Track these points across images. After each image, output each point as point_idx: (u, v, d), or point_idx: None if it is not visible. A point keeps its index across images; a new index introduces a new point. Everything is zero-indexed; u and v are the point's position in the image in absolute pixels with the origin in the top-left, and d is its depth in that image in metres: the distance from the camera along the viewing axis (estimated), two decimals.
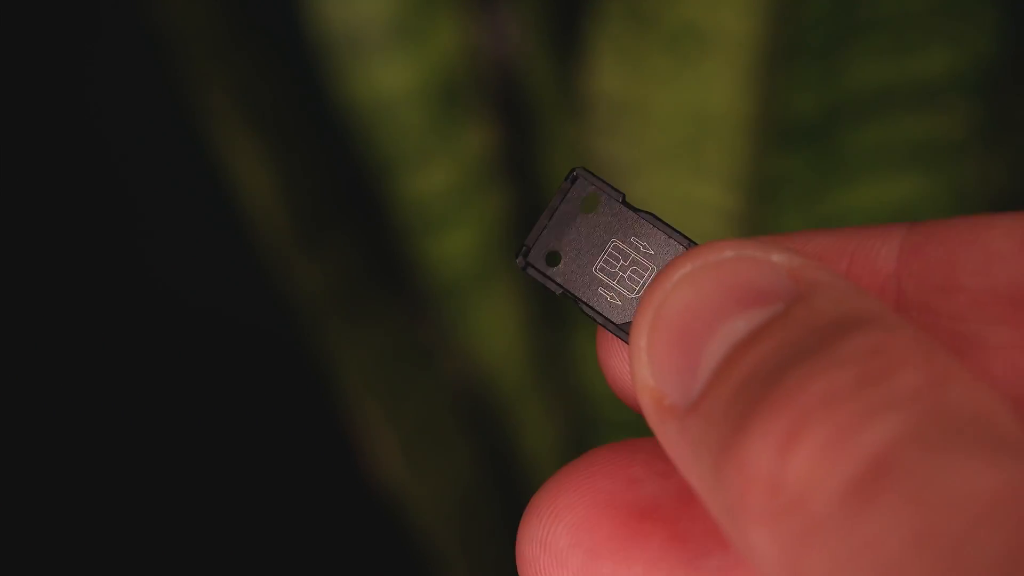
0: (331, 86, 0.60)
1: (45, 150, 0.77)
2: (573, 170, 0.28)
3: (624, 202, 0.28)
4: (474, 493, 0.69)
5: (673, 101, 0.54)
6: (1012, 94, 0.54)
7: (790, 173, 0.54)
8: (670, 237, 0.28)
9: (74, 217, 0.78)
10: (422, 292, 0.65)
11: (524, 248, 0.28)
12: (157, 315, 0.79)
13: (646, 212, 0.28)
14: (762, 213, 0.54)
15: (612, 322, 0.28)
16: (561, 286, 0.28)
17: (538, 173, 0.63)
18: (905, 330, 0.23)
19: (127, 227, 0.78)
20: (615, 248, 0.28)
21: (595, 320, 0.28)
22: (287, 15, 0.64)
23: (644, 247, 0.28)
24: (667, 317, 0.24)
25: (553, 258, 0.28)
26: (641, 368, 0.24)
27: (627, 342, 0.27)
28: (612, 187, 0.28)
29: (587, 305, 0.28)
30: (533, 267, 0.28)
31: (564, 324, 0.64)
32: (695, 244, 0.28)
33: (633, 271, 0.28)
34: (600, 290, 0.28)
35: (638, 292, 0.28)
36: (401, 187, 0.62)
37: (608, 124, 0.55)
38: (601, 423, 0.64)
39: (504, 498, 0.70)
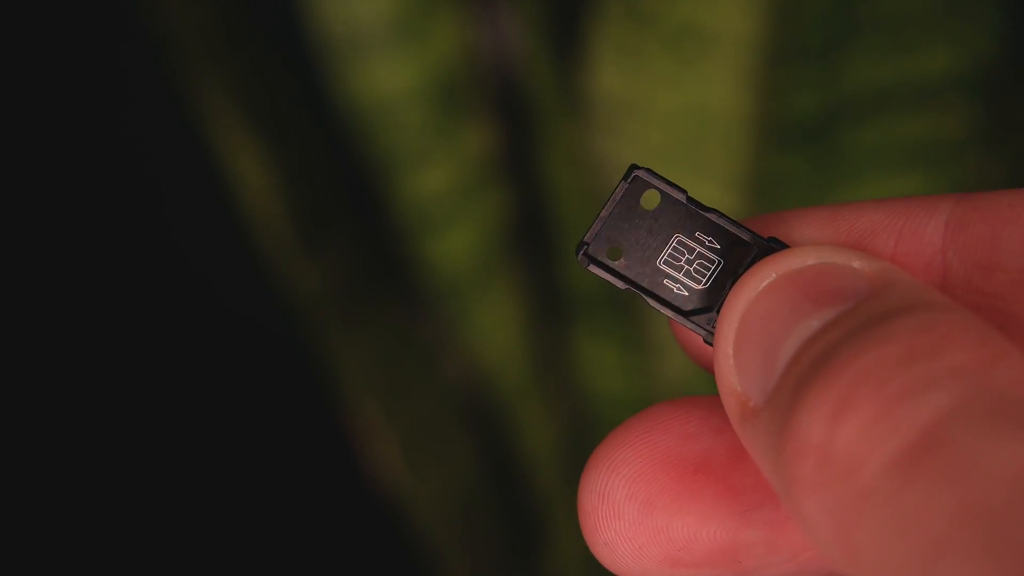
0: (331, 86, 0.60)
1: (44, 150, 0.77)
2: (632, 168, 0.28)
3: (688, 199, 0.28)
4: (474, 493, 0.69)
5: (673, 101, 0.54)
6: (1012, 94, 0.54)
7: (790, 173, 0.54)
8: (740, 232, 0.28)
9: (74, 217, 0.78)
10: (422, 292, 0.65)
11: (584, 244, 0.28)
12: (157, 315, 0.79)
13: (711, 209, 0.28)
14: (762, 213, 0.54)
15: (682, 311, 0.28)
16: (626, 279, 0.28)
17: (538, 173, 0.63)
18: (960, 312, 0.23)
19: (127, 227, 0.78)
20: (679, 243, 0.28)
21: (663, 311, 0.28)
22: (287, 15, 0.64)
23: (710, 241, 0.28)
24: (750, 323, 0.25)
25: (614, 253, 0.28)
26: (728, 375, 0.25)
27: (699, 332, 0.28)
28: (674, 184, 0.28)
29: (655, 296, 0.28)
30: (595, 261, 0.28)
31: (564, 324, 0.64)
32: (764, 241, 0.28)
33: (700, 263, 0.28)
34: (666, 282, 0.28)
35: (707, 283, 0.28)
36: (401, 187, 0.62)
37: (608, 124, 0.55)
38: (601, 423, 0.64)
39: (504, 498, 0.70)
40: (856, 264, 0.25)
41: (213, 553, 0.80)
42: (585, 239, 0.28)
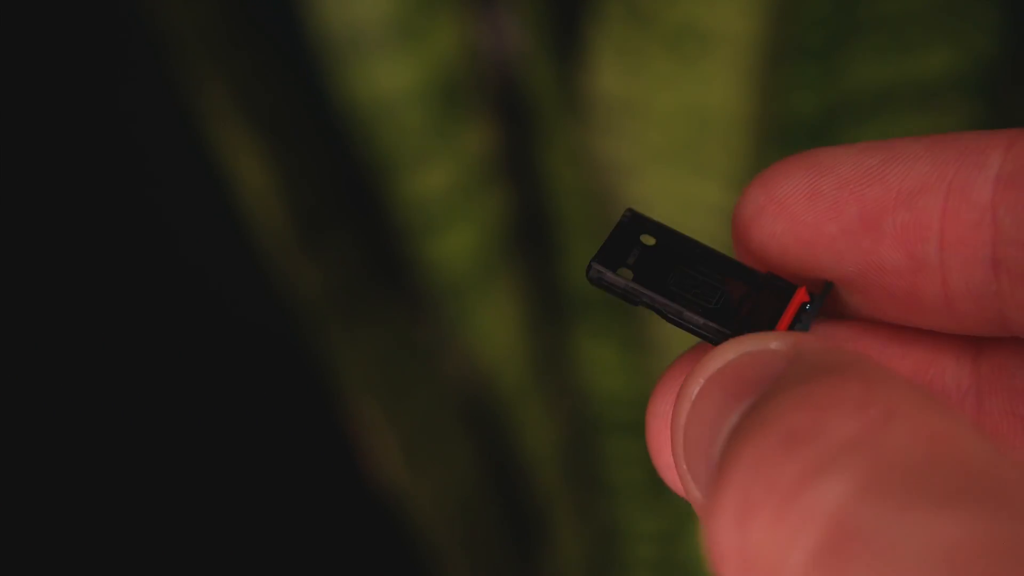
0: (331, 86, 0.60)
1: (44, 150, 0.77)
2: (628, 210, 0.29)
3: (683, 236, 0.28)
4: (474, 493, 0.69)
5: (673, 101, 0.54)
6: (1012, 94, 0.54)
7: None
8: (736, 265, 0.28)
9: (74, 217, 0.78)
10: (422, 292, 0.65)
11: (597, 257, 0.28)
12: (157, 315, 0.79)
13: (706, 245, 0.28)
14: None
15: (705, 322, 0.28)
16: (643, 292, 0.28)
17: (538, 173, 0.63)
18: (847, 371, 0.22)
19: (127, 227, 0.78)
20: (683, 273, 0.28)
21: (682, 324, 0.28)
22: (287, 15, 0.64)
23: (711, 274, 0.28)
24: (691, 435, 0.25)
25: (624, 273, 0.28)
26: (690, 490, 0.25)
27: (719, 337, 0.28)
28: (666, 226, 0.29)
29: (673, 308, 0.28)
30: (609, 275, 0.28)
31: (564, 324, 0.64)
32: (759, 274, 0.28)
33: (707, 286, 0.28)
34: (677, 302, 0.28)
35: (716, 303, 0.28)
36: (401, 187, 0.62)
37: (608, 124, 0.55)
38: (601, 423, 0.64)
39: (504, 498, 0.70)
40: (774, 346, 0.25)
41: (213, 553, 0.80)
42: (593, 259, 0.28)
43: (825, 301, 0.28)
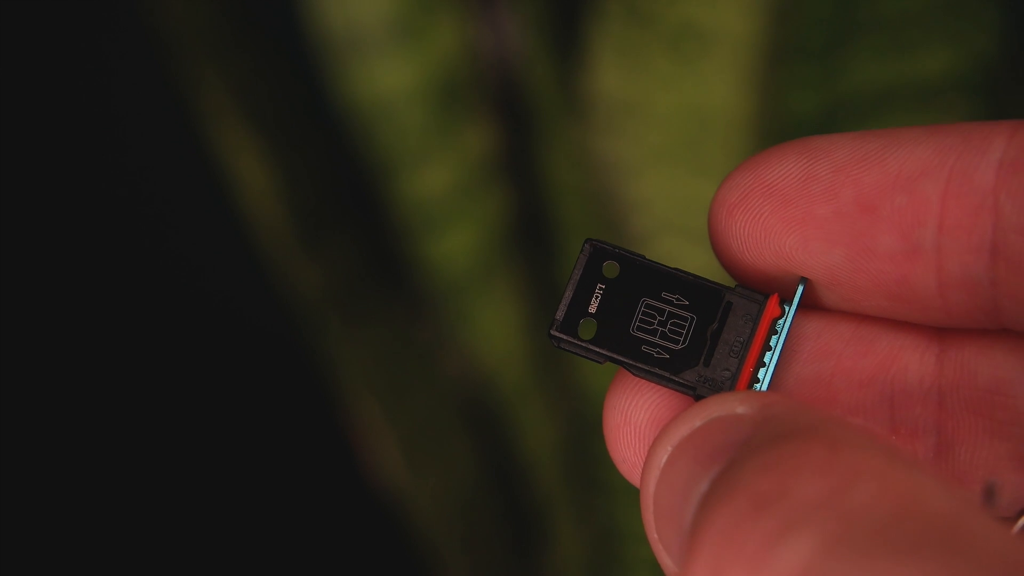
0: (331, 86, 0.60)
1: (45, 150, 0.77)
2: (586, 242, 0.28)
3: (646, 261, 0.28)
4: (474, 493, 0.69)
5: (673, 101, 0.54)
6: (1012, 94, 0.54)
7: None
8: (702, 284, 0.28)
9: (74, 216, 0.78)
10: (422, 292, 0.65)
11: (554, 322, 0.28)
12: (157, 315, 0.79)
13: (669, 267, 0.28)
14: None
15: (669, 377, 0.28)
16: (603, 354, 0.28)
17: (538, 173, 0.63)
18: (814, 434, 0.22)
19: (127, 226, 0.78)
20: (648, 306, 0.28)
21: (649, 379, 0.28)
22: (287, 15, 0.64)
23: (677, 299, 0.28)
24: (661, 504, 0.25)
25: (587, 327, 0.28)
26: (662, 558, 0.25)
27: (687, 392, 0.27)
28: (629, 251, 0.28)
29: (636, 366, 0.28)
30: (568, 341, 0.28)
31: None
32: (727, 288, 0.28)
33: (673, 323, 0.28)
34: (644, 348, 0.28)
35: (684, 342, 0.28)
36: (401, 187, 0.62)
37: (608, 124, 0.55)
38: (601, 423, 0.64)
39: (504, 498, 0.70)
40: (740, 410, 0.24)
41: (213, 553, 0.80)
42: (555, 316, 0.28)
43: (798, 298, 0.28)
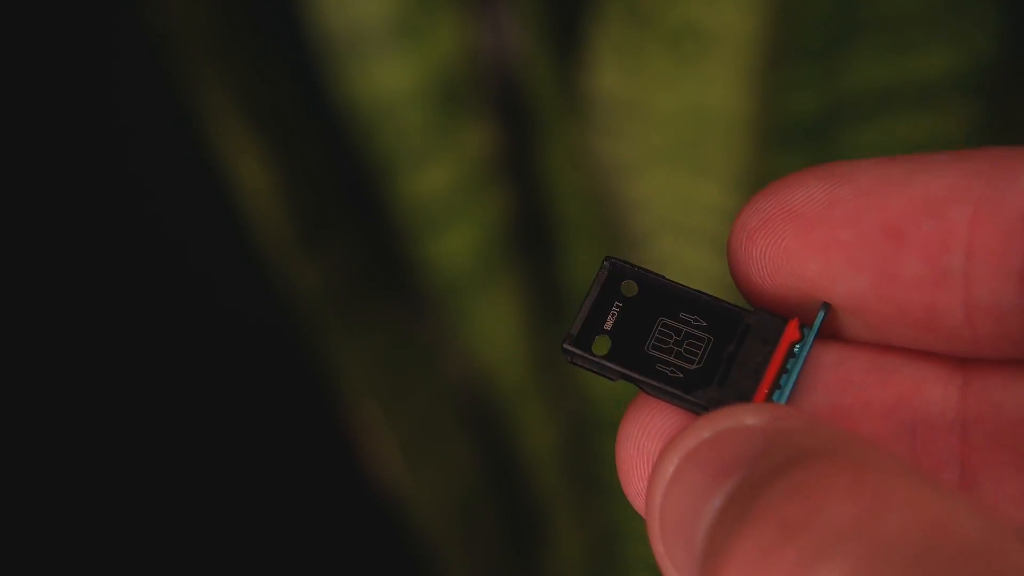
0: (331, 86, 0.60)
1: (45, 150, 0.77)
2: (606, 259, 0.28)
3: (666, 281, 0.28)
4: (474, 493, 0.69)
5: (673, 101, 0.54)
6: (1012, 94, 0.54)
7: (790, 172, 0.54)
8: (722, 305, 0.28)
9: (74, 216, 0.78)
10: (422, 292, 0.65)
11: (568, 336, 0.28)
12: (156, 315, 0.79)
13: (689, 288, 0.28)
14: None
15: (683, 396, 0.27)
16: (616, 370, 0.27)
17: (538, 173, 0.63)
18: (838, 456, 0.22)
19: (127, 226, 0.78)
20: (664, 325, 0.28)
21: (662, 397, 0.27)
22: (287, 15, 0.64)
23: (695, 319, 0.28)
24: (667, 517, 0.24)
25: (601, 344, 0.28)
26: (668, 572, 0.24)
27: (698, 410, 0.27)
28: (648, 271, 0.28)
29: (649, 383, 0.27)
30: (582, 356, 0.28)
31: (564, 324, 0.64)
32: (746, 311, 0.27)
33: (689, 343, 0.28)
34: (659, 367, 0.27)
35: (700, 362, 0.27)
36: (401, 187, 0.62)
37: (608, 124, 0.55)
38: (601, 423, 0.64)
39: (504, 498, 0.70)
40: (749, 421, 0.24)
41: (213, 553, 0.80)
42: (570, 331, 0.28)
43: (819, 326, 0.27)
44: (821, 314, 0.27)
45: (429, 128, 0.61)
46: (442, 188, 0.62)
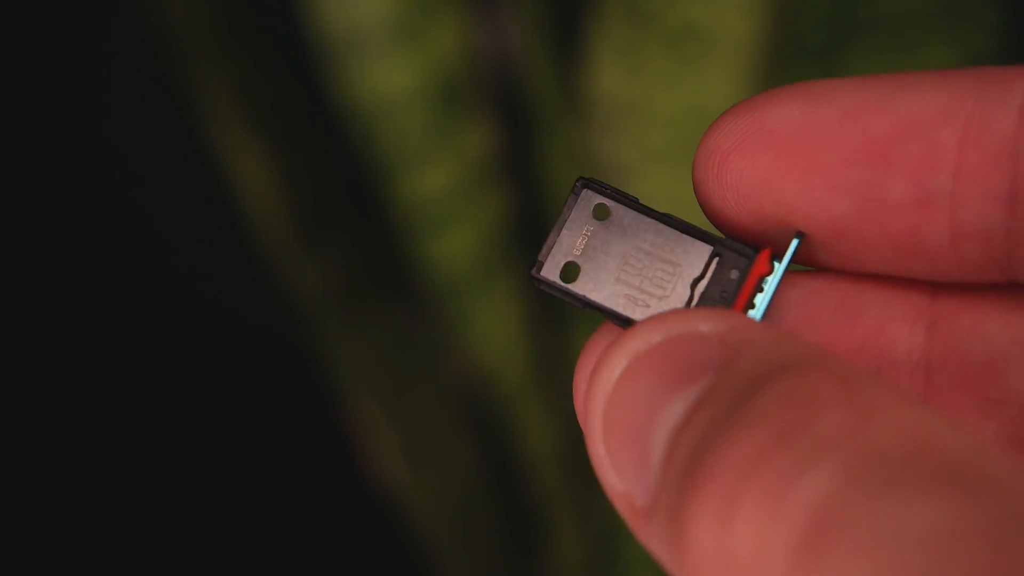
0: (331, 86, 0.60)
1: (46, 150, 0.77)
2: (579, 179, 0.27)
3: (638, 205, 0.27)
4: (474, 493, 0.69)
5: (673, 101, 0.54)
6: None
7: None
8: (691, 235, 0.27)
9: (75, 216, 0.78)
10: (422, 292, 0.65)
11: (537, 264, 0.27)
12: (157, 315, 0.79)
13: (662, 213, 0.27)
14: None
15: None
16: (583, 300, 0.27)
17: (538, 173, 0.63)
18: (819, 366, 0.22)
19: (127, 226, 0.78)
20: (635, 253, 0.27)
21: (627, 328, 0.26)
22: (287, 15, 0.64)
23: (667, 247, 0.27)
24: (614, 418, 0.24)
25: (570, 271, 0.27)
26: (607, 475, 0.24)
27: None
28: (623, 193, 0.27)
29: (615, 315, 0.27)
30: (548, 283, 0.27)
31: (564, 324, 0.64)
32: (717, 239, 0.27)
33: (659, 270, 0.27)
34: (625, 296, 0.27)
35: (671, 290, 0.27)
36: (401, 187, 0.62)
37: (608, 124, 0.55)
38: None
39: (504, 498, 0.70)
40: (703, 328, 0.23)
41: (213, 553, 0.80)
42: (538, 258, 0.27)
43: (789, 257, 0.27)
44: (794, 243, 0.26)
45: (429, 128, 0.61)
46: (442, 188, 0.62)
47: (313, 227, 0.64)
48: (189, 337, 0.80)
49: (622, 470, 0.23)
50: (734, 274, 0.27)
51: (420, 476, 0.68)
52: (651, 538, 0.23)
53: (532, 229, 0.64)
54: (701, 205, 0.27)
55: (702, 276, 0.27)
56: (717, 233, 0.27)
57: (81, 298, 0.79)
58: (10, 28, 0.74)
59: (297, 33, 0.62)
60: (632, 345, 0.24)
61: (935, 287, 0.27)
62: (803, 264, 0.27)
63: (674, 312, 0.24)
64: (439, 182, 0.62)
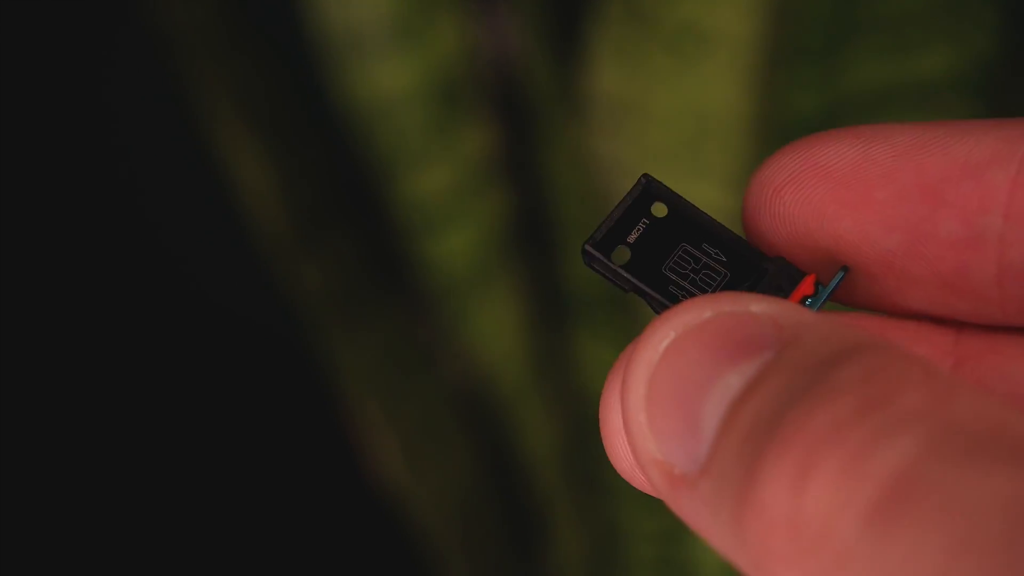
0: (331, 86, 0.60)
1: (46, 150, 0.77)
2: (643, 176, 0.28)
3: (695, 209, 0.28)
4: (474, 493, 0.69)
5: (673, 101, 0.54)
6: (1012, 94, 0.54)
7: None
8: (742, 248, 0.28)
9: (74, 216, 0.78)
10: (422, 292, 0.65)
11: (592, 238, 0.27)
12: (156, 315, 0.79)
13: (718, 222, 0.28)
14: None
15: None
16: (631, 281, 0.27)
17: (538, 173, 0.63)
18: (897, 352, 0.22)
19: (127, 227, 0.78)
20: (685, 251, 0.28)
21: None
22: (287, 15, 0.64)
23: (716, 253, 0.28)
24: (660, 387, 0.24)
25: (620, 254, 0.28)
26: (644, 442, 0.24)
27: None
28: (681, 197, 0.28)
29: (659, 300, 0.27)
30: (600, 260, 0.28)
31: (564, 325, 0.64)
32: (768, 257, 0.27)
33: (705, 273, 0.28)
34: (671, 288, 0.27)
35: (714, 290, 0.27)
36: (401, 187, 0.62)
37: (608, 124, 0.55)
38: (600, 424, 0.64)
39: (504, 498, 0.70)
40: (755, 308, 0.24)
41: (213, 553, 0.80)
42: (592, 235, 0.28)
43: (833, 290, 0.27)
44: (840, 275, 0.27)
45: (429, 128, 0.61)
46: (442, 188, 0.62)
47: (312, 227, 0.64)
48: (188, 337, 0.80)
49: (665, 438, 0.24)
50: (779, 291, 0.27)
51: (420, 476, 0.68)
52: (693, 503, 0.23)
53: (532, 229, 0.64)
54: (748, 233, 0.28)
55: (747, 286, 0.28)
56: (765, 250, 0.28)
57: (81, 298, 0.79)
58: (11, 29, 0.74)
59: (297, 33, 0.62)
60: (683, 318, 0.24)
61: (960, 329, 0.28)
62: (841, 302, 0.28)
63: (724, 292, 0.25)
64: (439, 182, 0.62)
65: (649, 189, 0.28)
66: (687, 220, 0.28)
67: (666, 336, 0.24)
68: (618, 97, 0.54)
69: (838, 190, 0.27)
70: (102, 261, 0.78)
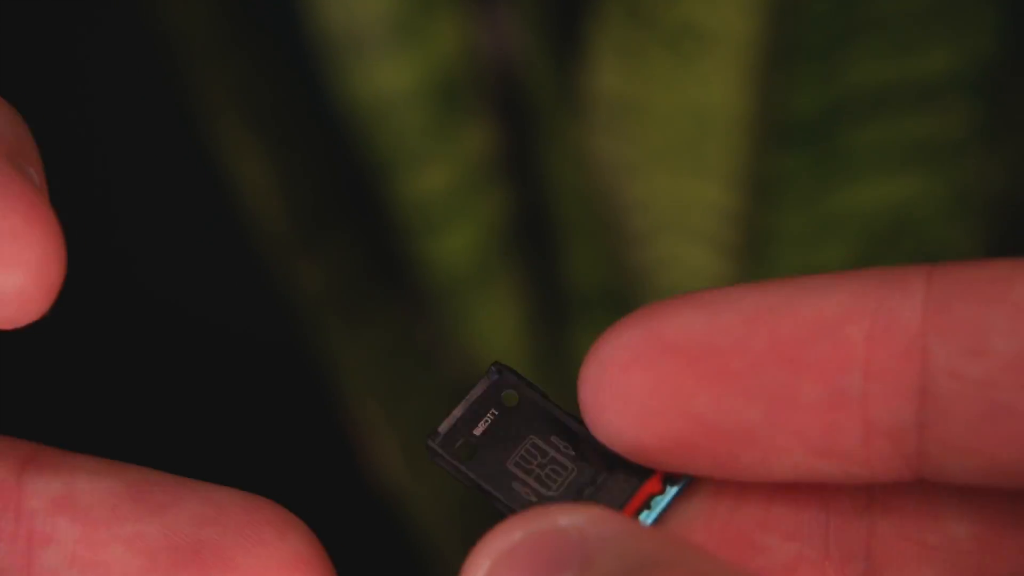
0: (331, 86, 0.60)
1: (42, 150, 0.76)
2: (494, 364, 0.27)
3: (545, 401, 0.27)
4: (474, 493, 0.69)
5: (673, 100, 0.54)
6: (1012, 94, 0.54)
7: (790, 172, 0.54)
8: (590, 443, 0.26)
9: (73, 217, 0.77)
10: (422, 292, 0.65)
11: (436, 435, 0.27)
12: (156, 316, 0.79)
13: (568, 412, 0.27)
14: (762, 212, 0.54)
15: None
16: (472, 479, 0.27)
17: (538, 173, 0.63)
18: (680, 570, 0.22)
19: (127, 227, 0.78)
20: (533, 445, 0.27)
21: (507, 514, 0.27)
22: (287, 15, 0.64)
23: (565, 447, 0.27)
24: None
25: (467, 449, 0.27)
26: None
27: None
28: (531, 384, 0.27)
29: (500, 501, 0.27)
30: (442, 456, 0.27)
31: (564, 324, 0.64)
32: (614, 456, 0.26)
33: (552, 469, 0.27)
34: (514, 485, 0.27)
35: (558, 490, 0.27)
36: (401, 187, 0.62)
37: (608, 124, 0.55)
38: None
39: None
40: (562, 522, 0.23)
41: None
42: (438, 429, 0.27)
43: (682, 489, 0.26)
44: (682, 483, 0.26)
45: (429, 128, 0.61)
46: (442, 188, 0.62)
47: (313, 227, 0.64)
48: (188, 337, 0.80)
49: None
50: (623, 491, 0.26)
51: (420, 476, 0.68)
52: None
53: (532, 229, 0.64)
54: (590, 425, 0.26)
55: (591, 484, 0.27)
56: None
57: (80, 298, 0.79)
58: (7, 26, 0.74)
59: (296, 32, 0.62)
60: (495, 545, 0.24)
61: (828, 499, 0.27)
62: (706, 476, 0.27)
63: (536, 508, 0.24)
64: (439, 181, 0.62)
65: (500, 379, 0.27)
66: (536, 411, 0.27)
67: (481, 567, 0.24)
68: (618, 96, 0.54)
69: (691, 365, 0.25)
70: (101, 261, 0.78)
